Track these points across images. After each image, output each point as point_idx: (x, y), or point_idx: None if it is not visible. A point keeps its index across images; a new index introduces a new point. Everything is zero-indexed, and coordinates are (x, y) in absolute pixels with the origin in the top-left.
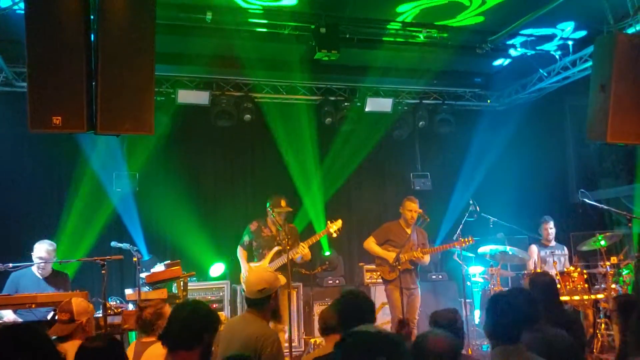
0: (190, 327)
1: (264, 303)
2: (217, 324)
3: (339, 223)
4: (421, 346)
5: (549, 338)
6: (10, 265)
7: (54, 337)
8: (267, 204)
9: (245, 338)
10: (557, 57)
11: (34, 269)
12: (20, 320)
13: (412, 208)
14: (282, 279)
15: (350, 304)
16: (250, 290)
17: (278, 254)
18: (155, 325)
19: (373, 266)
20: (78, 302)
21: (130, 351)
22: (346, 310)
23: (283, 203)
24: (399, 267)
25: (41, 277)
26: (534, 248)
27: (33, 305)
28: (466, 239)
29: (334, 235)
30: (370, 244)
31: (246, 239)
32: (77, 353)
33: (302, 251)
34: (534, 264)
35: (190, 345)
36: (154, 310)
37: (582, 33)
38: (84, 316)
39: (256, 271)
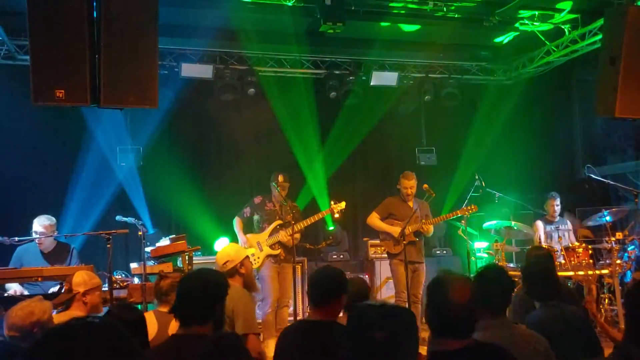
0: (202, 301)
1: (232, 274)
2: (226, 289)
3: (342, 204)
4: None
5: (566, 314)
6: (17, 239)
7: (59, 309)
8: (271, 180)
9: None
10: (566, 30)
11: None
12: (26, 292)
13: (406, 185)
14: (250, 251)
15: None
16: (218, 265)
17: (277, 229)
18: (169, 297)
19: (377, 241)
20: (79, 273)
21: (152, 321)
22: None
23: (281, 178)
24: (404, 241)
25: (43, 252)
26: (539, 224)
27: (39, 279)
28: (469, 207)
29: (337, 216)
30: (374, 219)
31: (246, 210)
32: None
33: (295, 230)
34: (539, 239)
35: (204, 319)
36: (172, 281)
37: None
38: (81, 287)
39: (222, 248)
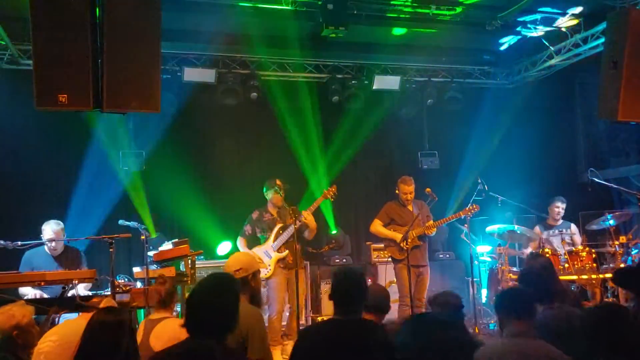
0: (222, 318)
1: (242, 285)
2: (239, 292)
3: (334, 188)
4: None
5: (567, 315)
6: (20, 243)
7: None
8: (264, 189)
9: None
10: (568, 33)
11: (46, 247)
12: (43, 294)
13: (405, 191)
14: (261, 265)
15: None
16: (227, 272)
17: (280, 233)
18: (172, 301)
19: (380, 245)
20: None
21: (140, 330)
22: None
23: (278, 182)
24: (408, 246)
25: (53, 256)
26: (537, 229)
27: (42, 283)
28: (471, 207)
29: (331, 199)
30: (377, 227)
31: (247, 227)
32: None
33: (306, 219)
34: (540, 244)
35: (227, 331)
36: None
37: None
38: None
39: (235, 255)
